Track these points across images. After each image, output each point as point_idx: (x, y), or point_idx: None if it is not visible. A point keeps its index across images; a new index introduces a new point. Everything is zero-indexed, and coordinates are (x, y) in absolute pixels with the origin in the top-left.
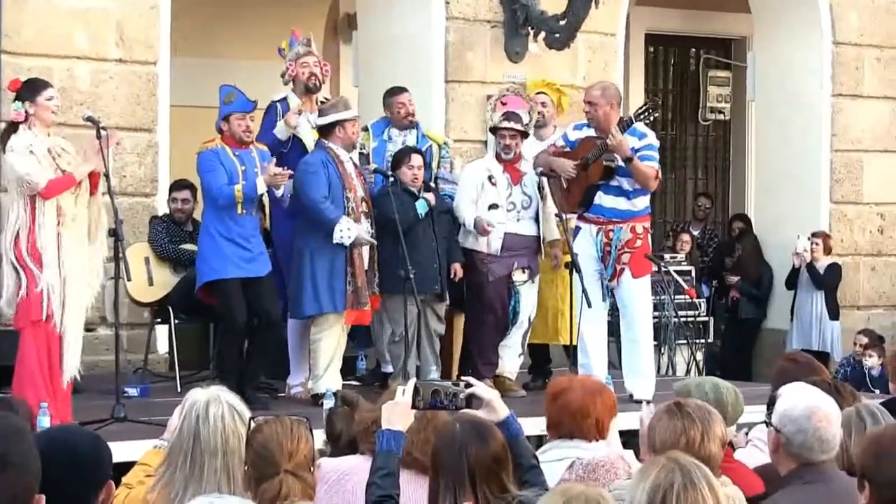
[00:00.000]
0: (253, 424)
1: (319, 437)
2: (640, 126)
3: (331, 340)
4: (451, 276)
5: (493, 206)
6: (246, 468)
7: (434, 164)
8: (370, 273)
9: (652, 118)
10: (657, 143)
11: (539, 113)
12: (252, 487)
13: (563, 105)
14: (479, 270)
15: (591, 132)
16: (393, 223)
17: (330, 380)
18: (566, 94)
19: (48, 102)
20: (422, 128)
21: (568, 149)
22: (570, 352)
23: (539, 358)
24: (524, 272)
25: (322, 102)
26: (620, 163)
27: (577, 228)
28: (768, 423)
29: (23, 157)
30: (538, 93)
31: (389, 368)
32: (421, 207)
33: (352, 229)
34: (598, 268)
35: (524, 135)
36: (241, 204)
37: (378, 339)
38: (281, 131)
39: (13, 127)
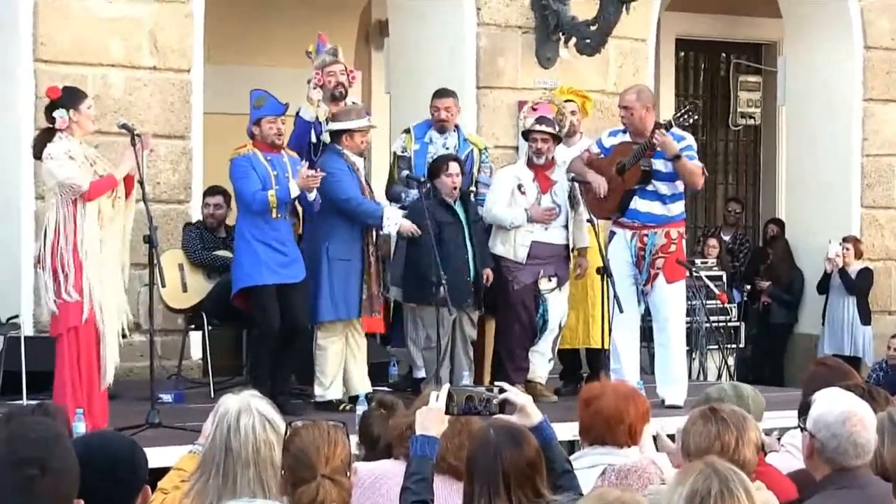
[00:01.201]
0: (290, 430)
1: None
2: (676, 129)
3: (337, 347)
4: (484, 280)
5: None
6: (283, 472)
7: (475, 170)
8: (381, 281)
9: (691, 121)
10: (695, 145)
11: (570, 122)
12: (289, 492)
13: (588, 109)
14: (504, 278)
15: (626, 138)
16: (426, 232)
17: (337, 390)
18: (590, 99)
19: (89, 111)
20: (463, 132)
21: (602, 155)
22: (603, 357)
23: (570, 363)
24: (551, 280)
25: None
26: (658, 167)
27: (612, 233)
28: (802, 429)
29: (64, 163)
30: (566, 101)
31: (421, 374)
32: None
33: (397, 217)
34: (631, 273)
35: (556, 139)
36: (276, 208)
37: (411, 344)
38: (305, 111)
39: (48, 135)
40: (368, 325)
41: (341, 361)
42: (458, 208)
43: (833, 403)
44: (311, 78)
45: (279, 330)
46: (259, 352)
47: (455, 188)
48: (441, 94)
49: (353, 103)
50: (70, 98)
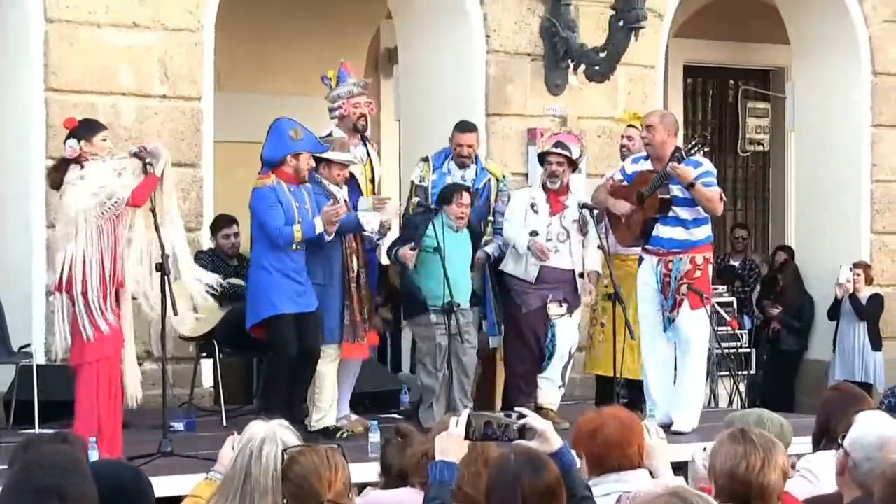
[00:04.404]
0: (286, 456)
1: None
2: (696, 157)
3: (333, 372)
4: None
5: (533, 234)
6: (284, 501)
7: (492, 199)
8: (369, 309)
9: (702, 152)
10: (714, 170)
11: (623, 146)
12: None
13: None
14: (514, 302)
15: (647, 165)
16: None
17: (333, 417)
18: None
19: (103, 143)
20: (481, 161)
21: (625, 182)
22: (615, 384)
23: (605, 390)
24: (561, 305)
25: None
26: (676, 193)
27: (640, 259)
28: (840, 445)
29: (87, 186)
30: (628, 126)
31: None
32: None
33: (373, 216)
34: (658, 299)
35: (572, 165)
36: (298, 244)
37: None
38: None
39: (64, 165)
40: (351, 351)
41: (336, 387)
42: (462, 237)
43: (874, 427)
44: (336, 107)
45: (295, 358)
46: (277, 379)
47: (461, 218)
48: (464, 128)
49: (340, 136)
50: (85, 129)
